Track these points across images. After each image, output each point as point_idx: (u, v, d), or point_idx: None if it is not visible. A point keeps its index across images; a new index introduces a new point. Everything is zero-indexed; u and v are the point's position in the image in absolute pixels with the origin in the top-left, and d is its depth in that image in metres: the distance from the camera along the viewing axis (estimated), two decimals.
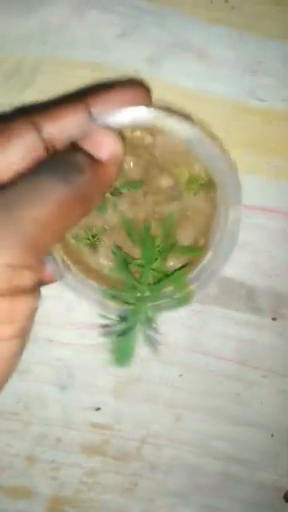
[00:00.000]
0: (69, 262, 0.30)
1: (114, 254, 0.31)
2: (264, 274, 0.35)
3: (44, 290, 0.36)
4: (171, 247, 0.30)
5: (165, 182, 0.30)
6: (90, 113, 0.26)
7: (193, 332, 0.35)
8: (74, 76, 0.35)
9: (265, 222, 0.35)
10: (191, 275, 0.29)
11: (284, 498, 0.37)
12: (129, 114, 0.27)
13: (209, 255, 0.29)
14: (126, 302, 0.30)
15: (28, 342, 0.37)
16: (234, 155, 0.34)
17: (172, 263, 0.31)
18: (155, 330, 0.29)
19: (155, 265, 0.30)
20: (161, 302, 0.30)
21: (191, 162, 0.30)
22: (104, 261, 0.32)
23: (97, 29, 0.35)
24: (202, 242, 0.31)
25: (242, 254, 0.35)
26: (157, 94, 0.34)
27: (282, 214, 0.35)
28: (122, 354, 0.29)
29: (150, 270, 0.30)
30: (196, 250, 0.30)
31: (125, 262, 0.30)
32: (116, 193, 0.31)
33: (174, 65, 0.34)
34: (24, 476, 0.37)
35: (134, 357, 0.29)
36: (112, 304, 0.30)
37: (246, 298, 0.35)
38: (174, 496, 0.37)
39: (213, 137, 0.31)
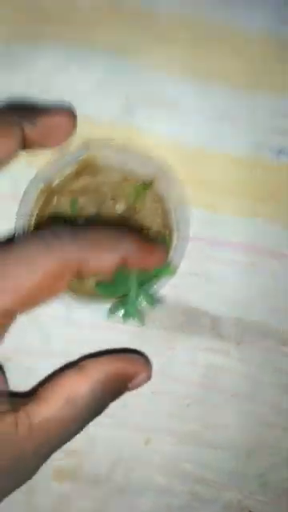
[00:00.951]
0: None
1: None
2: (228, 304, 0.38)
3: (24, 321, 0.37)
4: None
5: (118, 207, 0.35)
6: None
7: (161, 356, 0.37)
8: None
9: (231, 256, 0.38)
10: (169, 259, 0.34)
11: None
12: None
13: (175, 236, 0.35)
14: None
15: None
16: (201, 196, 0.38)
17: None
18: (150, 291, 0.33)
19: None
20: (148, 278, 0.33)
21: (131, 179, 0.35)
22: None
23: (75, 84, 0.37)
24: (167, 232, 0.35)
25: (209, 286, 0.38)
26: (131, 140, 0.37)
27: (246, 247, 0.38)
28: (130, 312, 0.33)
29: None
30: (166, 241, 0.35)
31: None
32: None
33: (146, 114, 0.38)
34: None
35: (144, 314, 0.34)
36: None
37: (211, 326, 0.38)
38: None
39: (174, 178, 0.36)
